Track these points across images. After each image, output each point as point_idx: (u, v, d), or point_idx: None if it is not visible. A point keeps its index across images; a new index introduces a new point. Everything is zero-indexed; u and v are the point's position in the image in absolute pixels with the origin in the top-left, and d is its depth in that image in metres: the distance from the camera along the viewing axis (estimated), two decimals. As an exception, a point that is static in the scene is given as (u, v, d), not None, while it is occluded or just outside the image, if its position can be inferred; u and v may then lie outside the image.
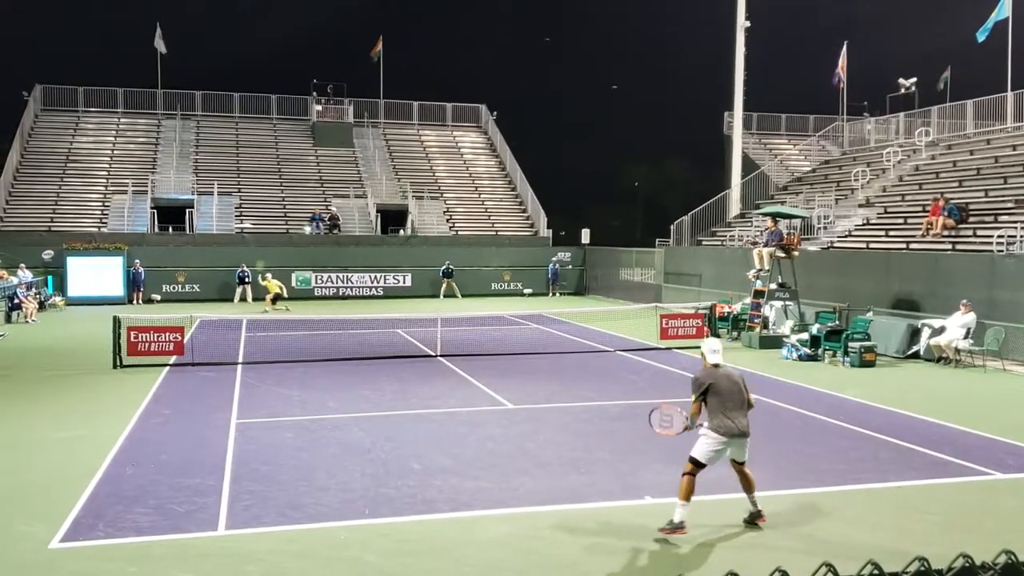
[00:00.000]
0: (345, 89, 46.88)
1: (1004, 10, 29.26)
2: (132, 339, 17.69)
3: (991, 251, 20.18)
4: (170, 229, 37.50)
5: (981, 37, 29.88)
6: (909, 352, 19.22)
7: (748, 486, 7.99)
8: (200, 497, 8.76)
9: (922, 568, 2.17)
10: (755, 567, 2.76)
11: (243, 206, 39.94)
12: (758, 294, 21.87)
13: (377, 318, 25.36)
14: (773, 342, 20.48)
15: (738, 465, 7.98)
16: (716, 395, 7.84)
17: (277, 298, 30.54)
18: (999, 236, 20.35)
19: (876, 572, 2.13)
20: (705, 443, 7.79)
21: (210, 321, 23.16)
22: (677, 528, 7.59)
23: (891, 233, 25.53)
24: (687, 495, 7.64)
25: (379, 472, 9.74)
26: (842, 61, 38.33)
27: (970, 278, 19.44)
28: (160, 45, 43.88)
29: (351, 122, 45.89)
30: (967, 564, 2.22)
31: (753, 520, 7.95)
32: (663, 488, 9.13)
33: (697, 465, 7.81)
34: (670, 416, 8.17)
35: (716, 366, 8.07)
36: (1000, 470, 9.98)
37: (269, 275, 31.72)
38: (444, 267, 36.86)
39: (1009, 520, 8.31)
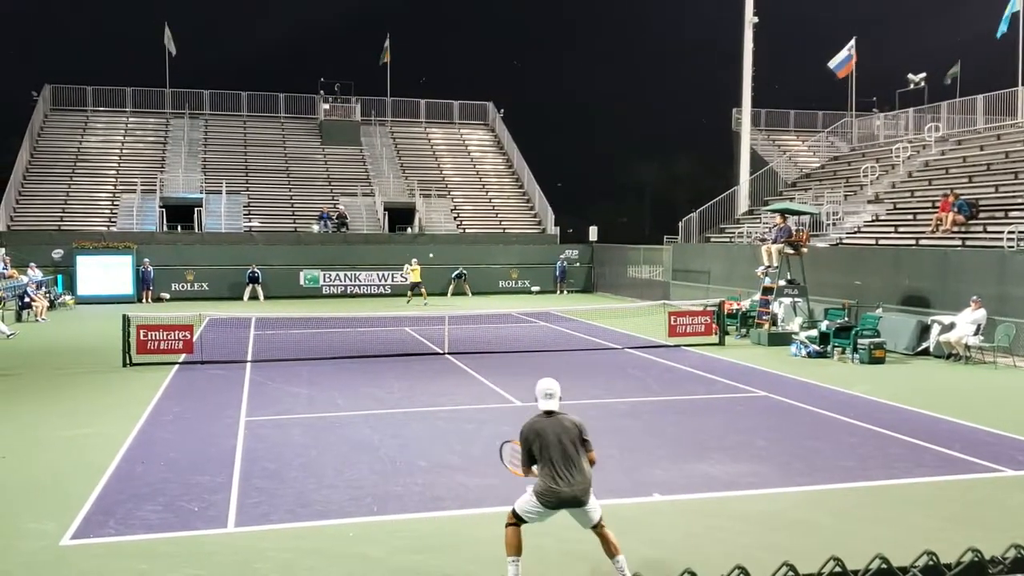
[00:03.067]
0: (352, 87, 47.00)
1: (1016, 3, 29.09)
2: (141, 337, 17.76)
3: (1001, 247, 20.07)
4: (179, 228, 37.64)
5: (1002, 30, 29.67)
6: (919, 349, 19.14)
7: (609, 550, 6.53)
8: (209, 495, 8.78)
9: (931, 562, 2.16)
10: (762, 563, 2.76)
11: (251, 204, 40.04)
12: (767, 291, 21.81)
13: (385, 316, 25.40)
14: (782, 339, 20.42)
15: (594, 529, 6.56)
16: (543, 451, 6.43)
17: (415, 287, 32.23)
18: (1009, 232, 20.21)
19: (884, 567, 2.12)
20: (528, 501, 6.51)
21: (219, 319, 23.22)
22: None
23: (900, 229, 25.42)
24: (516, 550, 6.46)
25: (387, 469, 9.75)
26: (851, 55, 38.12)
27: (980, 274, 19.36)
28: (169, 45, 43.98)
29: (358, 120, 45.95)
30: (976, 558, 2.21)
31: None
32: (671, 485, 9.13)
33: (519, 520, 6.54)
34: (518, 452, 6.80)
35: (549, 414, 6.59)
36: (1011, 467, 9.92)
37: (415, 260, 33.25)
38: (456, 271, 36.96)
39: (1019, 516, 8.27)
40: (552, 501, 6.36)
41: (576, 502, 6.37)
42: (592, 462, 6.59)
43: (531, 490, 6.48)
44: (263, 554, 7.20)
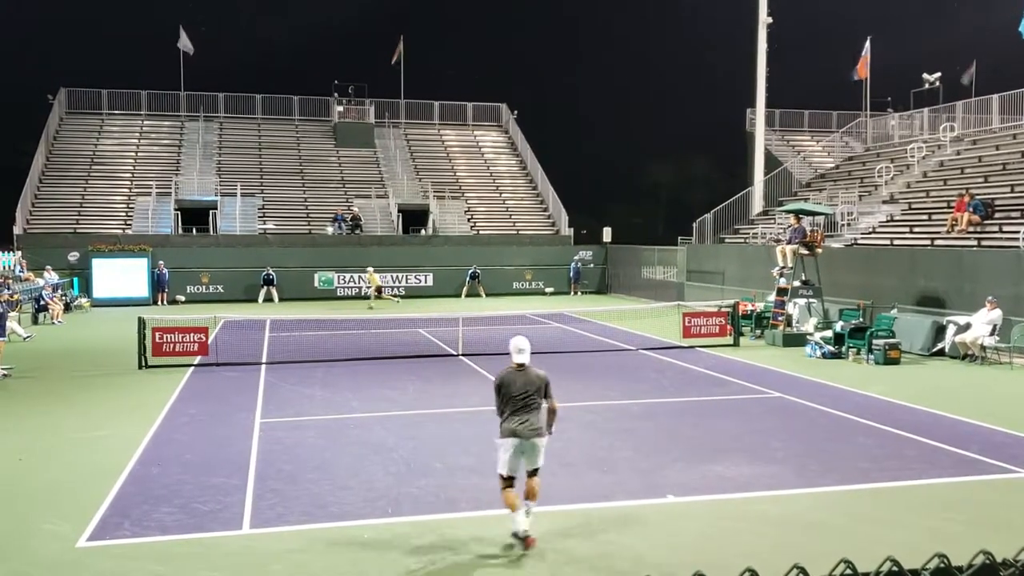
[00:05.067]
0: (366, 89, 47.14)
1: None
2: (157, 340, 17.85)
3: (1017, 247, 19.93)
4: (194, 230, 37.82)
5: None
6: (934, 349, 19.02)
7: (528, 495, 7.59)
8: (225, 496, 8.83)
9: (942, 564, 2.15)
10: (776, 565, 2.76)
11: (266, 207, 40.21)
12: (781, 291, 21.72)
13: (399, 318, 25.45)
14: (797, 340, 20.34)
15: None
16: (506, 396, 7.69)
17: (380, 291, 33.74)
18: (1026, 232, 20.09)
19: (895, 569, 2.12)
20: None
21: (234, 321, 23.32)
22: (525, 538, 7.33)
23: (915, 229, 25.27)
24: (514, 506, 7.44)
25: (401, 471, 9.77)
26: (865, 56, 37.96)
27: (996, 274, 19.22)
28: (185, 45, 44.14)
29: (372, 122, 46.09)
30: (988, 561, 2.21)
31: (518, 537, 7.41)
32: (685, 487, 9.11)
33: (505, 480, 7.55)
34: None
35: (521, 367, 7.84)
36: (1027, 468, 9.85)
37: (371, 268, 34.39)
38: (471, 270, 37.04)
39: (1037, 519, 8.20)
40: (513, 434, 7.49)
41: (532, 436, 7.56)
42: (552, 410, 7.90)
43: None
44: (278, 556, 7.24)
